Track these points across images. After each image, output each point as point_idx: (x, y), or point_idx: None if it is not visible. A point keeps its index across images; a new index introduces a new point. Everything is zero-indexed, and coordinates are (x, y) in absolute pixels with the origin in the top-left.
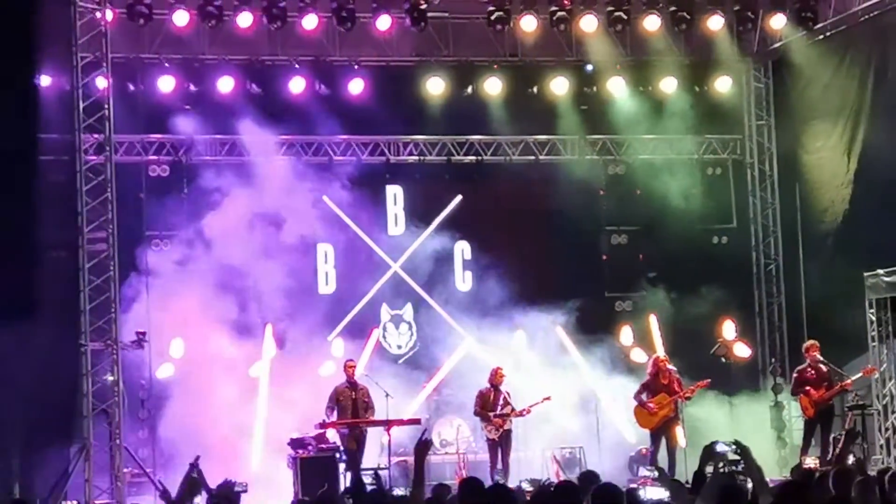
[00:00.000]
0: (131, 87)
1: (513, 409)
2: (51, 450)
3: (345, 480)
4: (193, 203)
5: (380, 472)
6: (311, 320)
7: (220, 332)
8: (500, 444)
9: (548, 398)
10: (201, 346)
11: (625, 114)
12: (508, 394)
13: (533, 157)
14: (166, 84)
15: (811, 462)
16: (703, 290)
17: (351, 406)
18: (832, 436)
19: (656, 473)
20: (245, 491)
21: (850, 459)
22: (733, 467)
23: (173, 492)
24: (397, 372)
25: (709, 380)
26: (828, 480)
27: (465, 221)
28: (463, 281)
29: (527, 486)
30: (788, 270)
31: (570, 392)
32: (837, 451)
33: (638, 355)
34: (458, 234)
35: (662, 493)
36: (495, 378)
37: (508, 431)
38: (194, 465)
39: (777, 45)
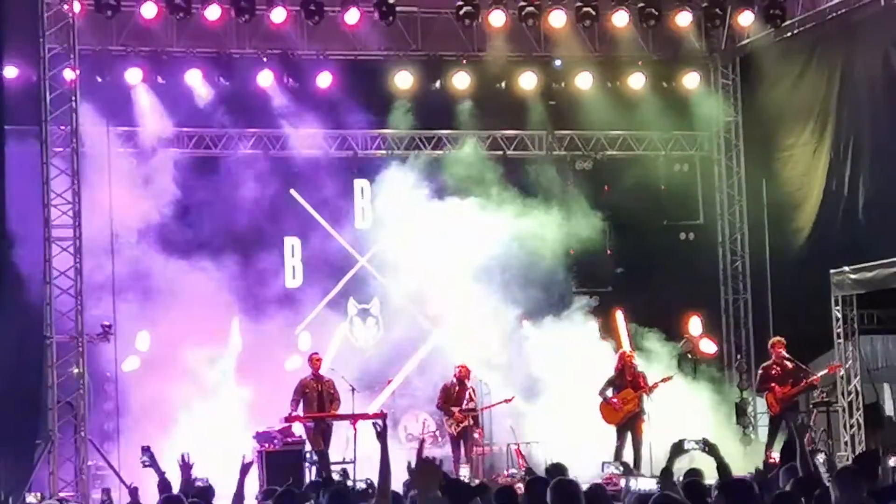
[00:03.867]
0: (99, 79)
1: (475, 408)
2: (15, 442)
3: (310, 475)
4: (160, 195)
5: (345, 464)
6: (277, 314)
7: (186, 325)
8: (463, 439)
9: (509, 399)
10: (167, 339)
11: (593, 109)
12: (474, 389)
13: (500, 152)
14: (134, 76)
15: (776, 458)
16: (669, 286)
17: (317, 398)
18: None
19: (622, 469)
20: (207, 488)
21: (822, 458)
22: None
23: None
24: (363, 366)
25: (672, 375)
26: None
27: (431, 215)
28: (430, 275)
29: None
30: (755, 267)
31: (536, 386)
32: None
33: (604, 351)
34: (425, 228)
35: (650, 483)
36: (461, 373)
37: (470, 428)
38: (146, 450)
39: (745, 42)
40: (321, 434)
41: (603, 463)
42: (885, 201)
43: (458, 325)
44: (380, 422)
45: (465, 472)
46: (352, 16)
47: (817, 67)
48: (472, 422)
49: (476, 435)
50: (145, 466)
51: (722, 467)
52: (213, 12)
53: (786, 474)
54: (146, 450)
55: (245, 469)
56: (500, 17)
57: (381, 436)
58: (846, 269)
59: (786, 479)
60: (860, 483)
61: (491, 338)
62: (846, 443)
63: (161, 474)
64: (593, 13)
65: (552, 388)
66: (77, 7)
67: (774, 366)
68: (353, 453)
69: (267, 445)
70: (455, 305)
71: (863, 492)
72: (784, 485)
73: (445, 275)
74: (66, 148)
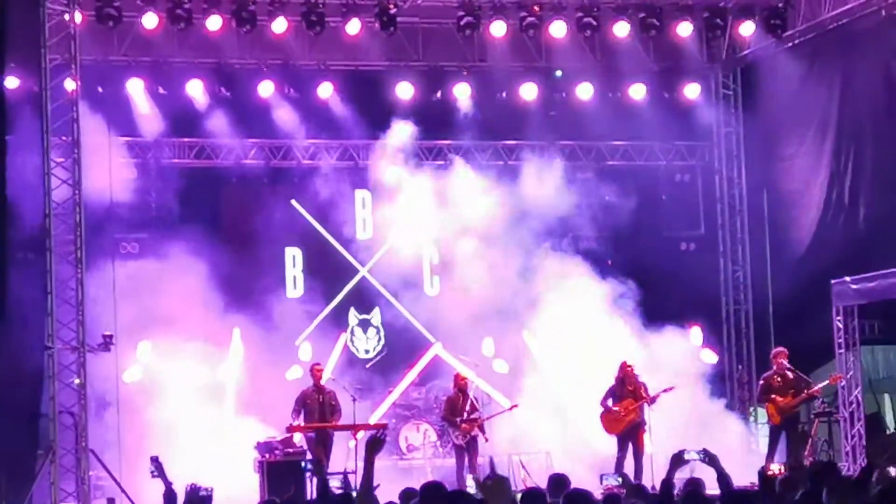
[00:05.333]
0: (100, 90)
1: (480, 416)
2: (16, 453)
3: (311, 485)
4: (161, 205)
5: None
6: (278, 324)
7: (187, 335)
8: (467, 449)
9: (512, 407)
10: (169, 349)
11: (593, 120)
12: (476, 399)
13: (501, 163)
14: (135, 86)
15: (777, 468)
16: (670, 297)
17: (318, 409)
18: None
19: (621, 480)
20: (210, 496)
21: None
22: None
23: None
24: (364, 376)
25: (674, 386)
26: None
27: (433, 226)
28: (431, 286)
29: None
30: (756, 277)
31: (538, 397)
32: (792, 456)
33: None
34: (426, 240)
35: None
36: (460, 382)
37: (475, 437)
38: (154, 460)
39: (746, 52)
40: (322, 445)
41: (601, 475)
42: (886, 211)
43: (458, 334)
44: (379, 432)
45: (471, 483)
46: (353, 26)
47: (818, 77)
48: (478, 430)
49: (483, 441)
50: (154, 477)
51: (722, 478)
52: (214, 23)
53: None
54: (154, 460)
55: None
56: (501, 28)
57: (372, 446)
58: (847, 279)
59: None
60: (855, 494)
61: (492, 349)
62: (847, 453)
63: (168, 485)
64: (594, 23)
65: (555, 396)
66: (78, 17)
67: (776, 376)
68: (355, 464)
69: (268, 456)
70: (456, 313)
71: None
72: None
73: (445, 282)
74: (68, 158)
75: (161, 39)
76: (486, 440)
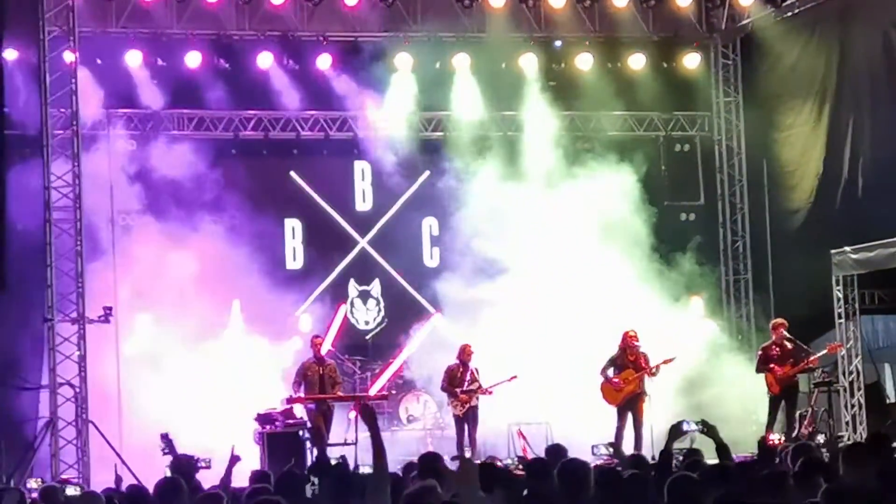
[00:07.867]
0: (98, 62)
1: (479, 387)
2: (16, 425)
3: (311, 456)
4: (160, 178)
5: (346, 446)
6: (278, 295)
7: (187, 307)
8: (467, 421)
9: (514, 377)
10: (168, 321)
11: (593, 90)
12: (476, 370)
13: (501, 133)
14: (133, 58)
15: (776, 438)
16: (669, 267)
17: (318, 381)
18: (798, 412)
19: (611, 450)
20: (208, 467)
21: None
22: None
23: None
24: (364, 347)
25: (674, 357)
26: (787, 456)
27: (433, 197)
28: (431, 257)
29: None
30: (756, 247)
31: (538, 368)
32: (797, 432)
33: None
34: (426, 210)
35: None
36: (464, 354)
37: (475, 408)
38: (164, 437)
39: (745, 22)
40: (322, 416)
41: (592, 446)
42: (885, 181)
43: (458, 308)
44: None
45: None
46: None
47: (817, 47)
48: (477, 401)
49: (488, 394)
50: (165, 454)
51: (721, 448)
52: None
53: (794, 454)
54: (164, 437)
55: (233, 461)
56: None
57: (370, 415)
58: (847, 249)
59: (794, 458)
60: (869, 461)
61: (492, 319)
62: (847, 423)
63: (177, 457)
64: None
65: (555, 366)
66: None
67: (774, 346)
68: (355, 436)
69: (268, 427)
70: (456, 286)
71: (872, 470)
72: (793, 465)
73: (445, 252)
74: (66, 130)
75: (159, 11)
76: (490, 392)
